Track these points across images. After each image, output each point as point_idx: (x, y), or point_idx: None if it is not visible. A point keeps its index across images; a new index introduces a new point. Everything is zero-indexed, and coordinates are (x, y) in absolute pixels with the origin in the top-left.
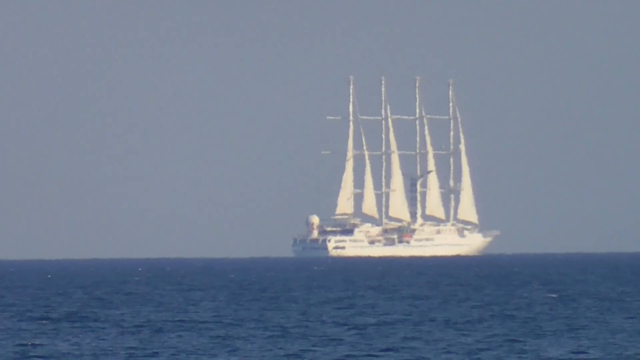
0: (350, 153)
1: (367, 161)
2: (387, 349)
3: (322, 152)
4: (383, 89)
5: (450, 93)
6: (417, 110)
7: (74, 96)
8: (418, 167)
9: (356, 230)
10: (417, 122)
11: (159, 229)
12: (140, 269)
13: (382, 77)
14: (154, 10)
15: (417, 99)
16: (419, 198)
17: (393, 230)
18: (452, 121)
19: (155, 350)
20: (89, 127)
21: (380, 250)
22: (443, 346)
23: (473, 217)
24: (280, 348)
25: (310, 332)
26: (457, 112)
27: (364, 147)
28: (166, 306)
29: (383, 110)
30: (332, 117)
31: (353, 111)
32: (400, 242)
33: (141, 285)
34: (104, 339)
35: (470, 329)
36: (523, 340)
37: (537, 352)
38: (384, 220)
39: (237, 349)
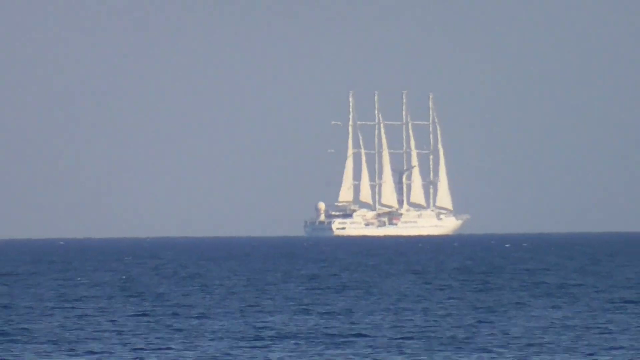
0: (350, 151)
1: (363, 158)
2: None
3: (328, 151)
4: (376, 100)
5: (430, 103)
6: (404, 117)
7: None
8: (404, 163)
9: (355, 214)
10: (404, 127)
11: (208, 210)
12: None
13: (375, 91)
14: (171, 13)
15: (404, 108)
16: (404, 188)
17: (384, 214)
18: (431, 126)
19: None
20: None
21: (374, 231)
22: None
23: (448, 204)
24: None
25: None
26: (436, 119)
27: (361, 147)
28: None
29: (376, 117)
30: (335, 122)
31: (352, 118)
32: (390, 224)
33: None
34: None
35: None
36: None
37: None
38: (377, 206)
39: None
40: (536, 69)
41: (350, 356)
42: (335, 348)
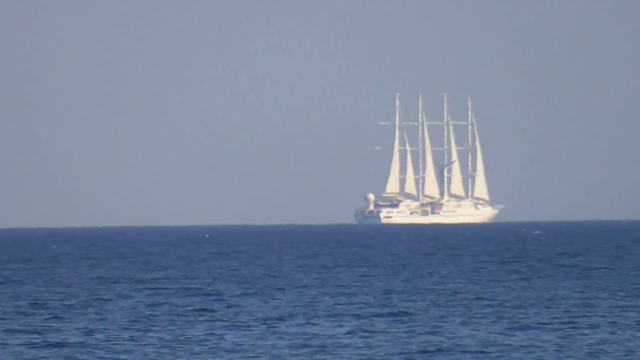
0: (396, 148)
1: (409, 154)
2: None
3: (376, 148)
4: (420, 102)
5: (469, 104)
6: (445, 118)
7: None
8: (445, 159)
9: (401, 204)
10: (445, 126)
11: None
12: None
13: (420, 94)
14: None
15: (445, 109)
16: (445, 181)
17: (427, 204)
18: (469, 126)
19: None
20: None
21: (418, 219)
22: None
23: (485, 195)
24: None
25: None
26: (474, 119)
27: (407, 144)
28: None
29: (420, 117)
30: (384, 123)
31: (398, 118)
32: (433, 213)
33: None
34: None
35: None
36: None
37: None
38: (421, 197)
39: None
40: (563, 73)
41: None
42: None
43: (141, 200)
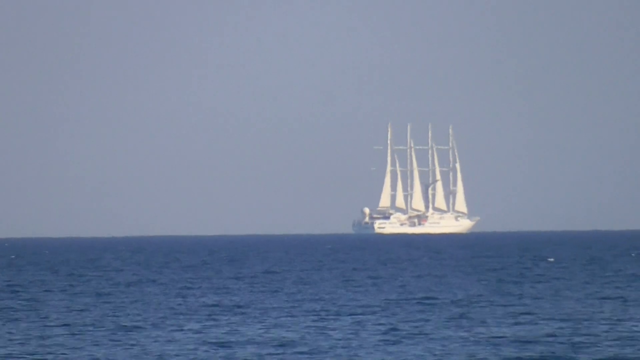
0: (388, 169)
1: (399, 174)
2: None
3: (372, 169)
4: (408, 130)
5: (450, 131)
6: (429, 143)
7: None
8: (430, 178)
9: (392, 217)
10: (429, 150)
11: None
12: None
13: (408, 123)
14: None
15: (429, 136)
16: (430, 197)
17: (414, 217)
18: (450, 150)
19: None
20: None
21: (406, 229)
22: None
23: (464, 209)
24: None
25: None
26: (454, 144)
27: (397, 165)
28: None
29: (408, 142)
30: (377, 147)
31: (390, 143)
32: (419, 224)
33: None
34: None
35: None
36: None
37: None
38: (409, 210)
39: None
40: (527, 106)
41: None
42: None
43: (135, 210)
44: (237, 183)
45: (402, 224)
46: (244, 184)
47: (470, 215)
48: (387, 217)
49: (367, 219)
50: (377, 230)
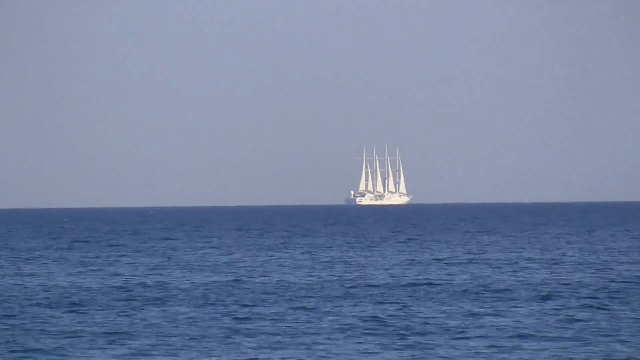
0: (363, 170)
1: (369, 173)
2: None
3: (356, 158)
4: (375, 148)
5: (397, 150)
6: (385, 155)
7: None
8: (387, 174)
9: (366, 195)
10: (386, 160)
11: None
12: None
13: (374, 144)
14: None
15: (386, 151)
16: (386, 185)
17: (378, 195)
18: (397, 159)
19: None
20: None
21: (373, 202)
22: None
23: (404, 191)
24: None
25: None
26: (399, 156)
27: (368, 168)
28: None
29: (374, 155)
30: (358, 158)
31: (365, 156)
32: (380, 199)
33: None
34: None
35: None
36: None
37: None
38: (375, 192)
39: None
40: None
41: None
42: None
43: (141, 183)
44: (262, 162)
45: (371, 200)
46: (266, 169)
47: (408, 194)
48: (363, 196)
49: (352, 197)
50: (358, 203)
